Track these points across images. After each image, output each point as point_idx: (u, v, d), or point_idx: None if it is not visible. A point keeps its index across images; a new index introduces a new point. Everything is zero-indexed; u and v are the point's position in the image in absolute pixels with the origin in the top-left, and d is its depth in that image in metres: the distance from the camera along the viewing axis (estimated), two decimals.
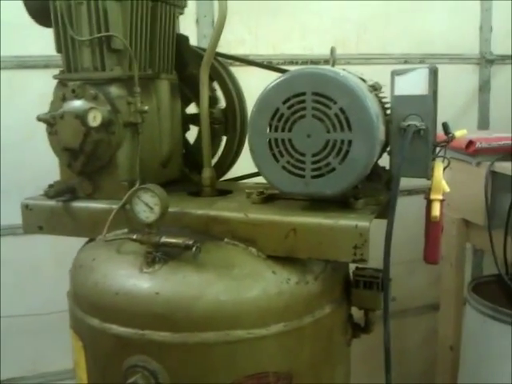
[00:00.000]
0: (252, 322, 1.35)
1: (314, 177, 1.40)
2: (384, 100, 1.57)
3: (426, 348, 3.27)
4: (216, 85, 1.88)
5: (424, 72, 1.44)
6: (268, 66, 2.01)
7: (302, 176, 1.41)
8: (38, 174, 1.94)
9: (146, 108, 1.57)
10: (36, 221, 1.67)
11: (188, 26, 2.34)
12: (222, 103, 1.88)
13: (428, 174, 1.49)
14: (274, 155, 1.42)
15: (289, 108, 1.39)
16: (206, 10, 2.61)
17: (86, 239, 1.68)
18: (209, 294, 1.34)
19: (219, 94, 1.88)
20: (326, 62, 1.83)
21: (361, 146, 1.35)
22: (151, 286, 1.36)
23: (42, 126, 1.61)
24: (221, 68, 1.86)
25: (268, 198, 1.56)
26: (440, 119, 1.51)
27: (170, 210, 1.42)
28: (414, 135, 1.43)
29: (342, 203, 1.47)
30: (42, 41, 1.80)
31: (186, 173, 1.88)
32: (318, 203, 1.49)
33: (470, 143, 2.40)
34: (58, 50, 1.63)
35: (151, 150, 1.69)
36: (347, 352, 1.64)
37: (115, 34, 1.53)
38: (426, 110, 1.45)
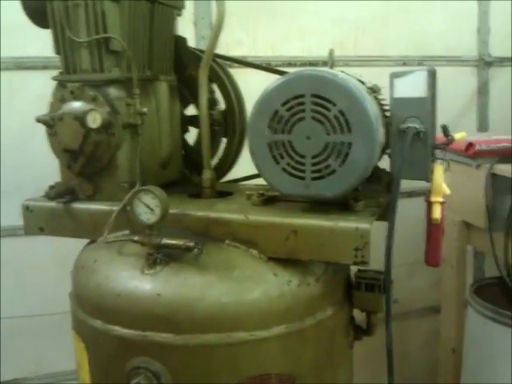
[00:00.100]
0: (254, 324, 1.35)
1: (314, 179, 1.40)
2: (383, 102, 1.56)
3: (427, 350, 3.27)
4: (215, 86, 1.87)
5: (423, 74, 1.45)
6: (266, 67, 2.01)
7: (302, 178, 1.41)
8: (37, 175, 1.93)
9: (146, 109, 1.57)
10: (37, 222, 1.67)
11: (186, 27, 2.33)
12: (221, 105, 1.88)
13: (428, 176, 1.49)
14: (274, 157, 1.42)
15: (288, 110, 1.39)
16: (204, 12, 2.61)
17: (86, 240, 1.67)
18: (210, 295, 1.34)
19: (218, 95, 1.88)
20: (325, 63, 1.82)
21: (360, 148, 1.35)
22: (153, 288, 1.36)
23: (42, 127, 1.61)
24: (219, 70, 1.86)
25: (268, 200, 1.56)
26: (439, 121, 1.51)
27: (171, 211, 1.42)
28: (413, 137, 1.43)
29: (342, 205, 1.47)
30: (40, 42, 1.79)
31: (185, 174, 1.88)
32: (318, 205, 1.49)
33: (470, 145, 2.40)
34: (57, 51, 1.63)
35: (151, 151, 1.68)
36: (349, 354, 1.64)
37: (113, 36, 1.53)
38: (426, 113, 1.45)
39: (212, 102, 1.83)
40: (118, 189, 1.57)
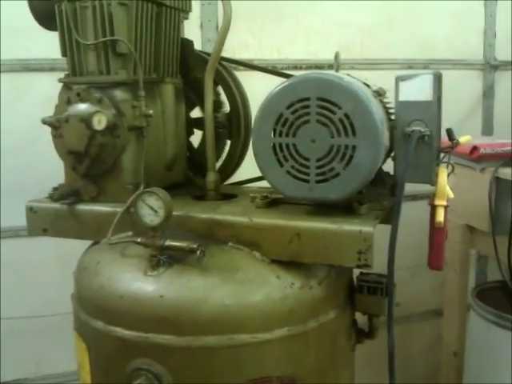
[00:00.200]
0: (256, 327, 1.36)
1: (318, 182, 1.40)
2: (388, 105, 1.56)
3: (429, 354, 3.26)
4: (220, 89, 1.88)
5: (428, 78, 1.45)
6: (272, 70, 2.01)
7: (307, 181, 1.41)
8: (41, 177, 1.94)
9: (151, 112, 1.58)
10: (40, 223, 1.67)
11: (192, 30, 2.35)
12: (227, 107, 1.88)
13: (432, 179, 1.49)
14: (278, 160, 1.43)
15: (293, 113, 1.39)
16: (211, 15, 2.62)
17: (89, 242, 1.68)
18: (213, 297, 1.35)
19: (223, 98, 1.89)
20: (330, 66, 1.83)
21: (365, 151, 1.35)
22: (156, 290, 1.37)
23: (47, 129, 1.62)
24: (225, 72, 1.87)
25: (272, 203, 1.56)
26: (444, 125, 1.51)
27: (175, 213, 1.43)
28: (418, 141, 1.43)
29: (346, 208, 1.47)
30: (47, 44, 1.80)
31: (190, 176, 1.89)
32: (322, 208, 1.49)
33: (474, 149, 2.40)
34: (63, 53, 1.63)
35: (156, 153, 1.69)
36: (351, 357, 1.64)
37: (120, 38, 1.54)
38: (431, 116, 1.45)
39: (217, 105, 1.84)
40: (123, 190, 1.58)
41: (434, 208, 1.50)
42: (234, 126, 1.87)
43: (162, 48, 1.72)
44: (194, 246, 1.35)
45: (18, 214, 1.71)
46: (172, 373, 1.35)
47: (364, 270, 1.45)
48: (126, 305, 1.38)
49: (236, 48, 2.57)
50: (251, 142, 1.48)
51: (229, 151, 1.91)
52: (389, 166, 1.55)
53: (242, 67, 2.09)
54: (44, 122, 1.59)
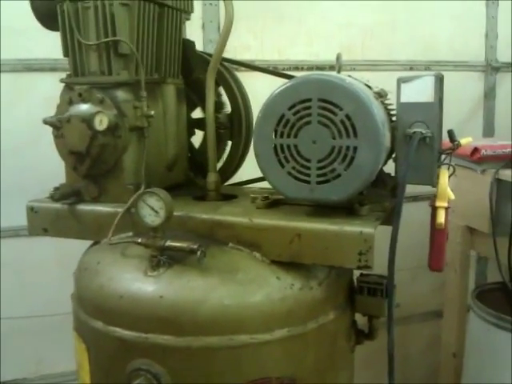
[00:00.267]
0: (256, 327, 1.36)
1: (319, 183, 1.40)
2: (390, 107, 1.57)
3: (429, 355, 3.27)
4: (222, 90, 1.88)
5: (430, 79, 1.45)
6: (273, 71, 2.02)
7: (308, 182, 1.41)
8: (42, 177, 1.94)
9: (152, 112, 1.58)
10: (41, 223, 1.67)
11: (194, 30, 2.35)
12: (228, 108, 1.88)
13: (433, 181, 1.49)
14: (279, 161, 1.43)
15: (294, 114, 1.39)
16: (212, 16, 2.62)
17: (89, 242, 1.68)
18: (213, 298, 1.35)
19: (225, 98, 1.89)
20: (332, 67, 1.83)
21: (366, 152, 1.35)
22: (156, 290, 1.37)
23: (48, 129, 1.62)
24: (227, 73, 1.87)
25: (273, 203, 1.57)
26: (445, 126, 1.51)
27: (175, 214, 1.43)
28: (419, 142, 1.43)
29: (346, 209, 1.48)
30: (48, 44, 1.80)
31: (191, 177, 1.89)
32: (322, 209, 1.49)
33: (475, 150, 2.40)
34: (65, 53, 1.64)
35: (157, 153, 1.69)
36: (351, 358, 1.64)
37: (122, 39, 1.54)
38: (432, 118, 1.45)
39: (219, 105, 1.84)
40: (124, 191, 1.58)
41: (434, 209, 1.50)
42: (235, 127, 1.87)
43: (164, 48, 1.72)
44: (195, 246, 1.35)
45: (18, 213, 1.71)
46: (171, 373, 1.35)
47: (364, 271, 1.46)
48: (125, 305, 1.38)
49: (237, 49, 2.57)
50: (252, 142, 1.48)
51: (230, 152, 1.91)
52: (390, 168, 1.55)
53: (243, 68, 2.09)
54: (45, 122, 1.59)
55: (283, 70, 2.51)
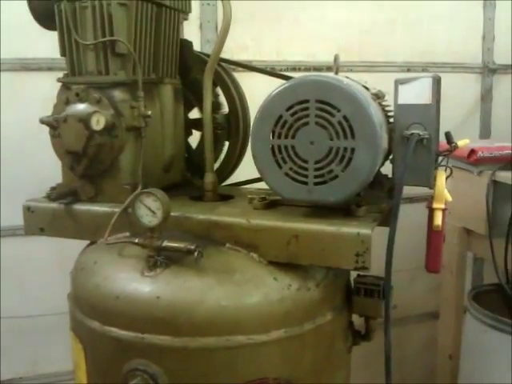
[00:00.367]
0: (253, 328, 1.35)
1: (316, 184, 1.40)
2: (387, 108, 1.57)
3: (425, 356, 3.27)
4: (219, 90, 1.88)
5: (427, 81, 1.45)
6: (271, 72, 2.01)
7: (305, 183, 1.41)
8: (39, 177, 1.94)
9: (150, 112, 1.58)
10: (37, 223, 1.67)
11: (191, 31, 2.34)
12: (225, 108, 1.88)
13: (431, 182, 1.49)
14: (276, 161, 1.43)
15: (292, 115, 1.39)
16: (210, 16, 2.62)
17: (86, 241, 1.67)
18: (210, 299, 1.35)
19: (222, 99, 1.89)
20: (329, 68, 1.83)
21: (364, 153, 1.35)
22: (152, 290, 1.37)
23: (45, 129, 1.61)
24: (224, 73, 1.87)
25: (270, 204, 1.57)
26: (441, 128, 1.51)
27: (172, 214, 1.43)
28: (416, 144, 1.43)
29: (344, 210, 1.48)
30: (45, 43, 1.80)
31: (188, 177, 1.89)
32: (320, 210, 1.49)
33: (472, 152, 2.40)
34: (62, 53, 1.63)
35: (154, 154, 1.69)
36: (348, 359, 1.64)
37: (119, 39, 1.54)
38: (430, 119, 1.45)
39: (216, 106, 1.84)
40: (120, 191, 1.58)
41: (432, 211, 1.50)
42: (232, 128, 1.87)
43: (161, 48, 1.72)
44: (192, 247, 1.35)
45: (15, 213, 1.71)
46: (168, 373, 1.35)
47: (361, 273, 1.46)
48: (122, 305, 1.38)
49: (235, 49, 2.56)
50: (250, 143, 1.47)
51: (227, 152, 1.91)
52: (387, 169, 1.55)
53: (240, 68, 2.09)
54: (42, 121, 1.58)
55: (280, 70, 2.52)
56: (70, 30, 1.57)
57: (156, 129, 1.69)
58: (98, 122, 1.51)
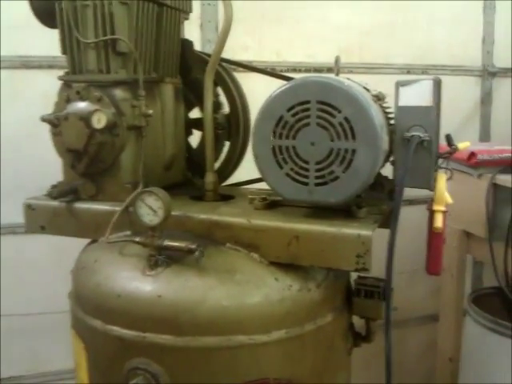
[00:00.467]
0: (254, 328, 1.36)
1: (317, 184, 1.40)
2: (388, 110, 1.57)
3: (425, 359, 3.26)
4: (220, 90, 1.88)
5: (428, 83, 1.45)
6: (272, 72, 2.01)
7: (306, 183, 1.41)
8: (40, 175, 1.93)
9: (151, 111, 1.58)
10: (38, 221, 1.67)
11: (192, 30, 2.34)
12: (226, 108, 1.88)
13: (431, 185, 1.49)
14: (277, 162, 1.43)
15: (293, 116, 1.39)
16: (211, 15, 2.62)
17: (87, 240, 1.67)
18: (211, 298, 1.34)
19: (222, 99, 1.88)
20: (329, 70, 1.83)
21: (365, 155, 1.35)
22: (153, 289, 1.37)
23: (46, 127, 1.61)
24: (225, 73, 1.87)
25: (271, 205, 1.56)
26: (442, 130, 1.51)
27: (173, 213, 1.43)
28: (417, 146, 1.43)
29: (344, 212, 1.48)
30: (46, 41, 1.80)
31: (188, 177, 1.88)
32: (320, 211, 1.49)
33: (472, 155, 2.40)
34: (63, 51, 1.63)
35: (154, 153, 1.69)
36: (348, 360, 1.64)
37: (121, 37, 1.54)
38: (430, 122, 1.45)
39: (216, 106, 1.84)
40: (121, 190, 1.58)
41: (432, 213, 1.50)
42: (232, 127, 1.87)
43: (162, 48, 1.72)
44: (193, 246, 1.35)
45: (16, 211, 1.70)
46: (169, 373, 1.35)
47: (362, 274, 1.46)
48: (123, 304, 1.38)
49: (235, 50, 2.56)
50: (251, 143, 1.47)
51: (227, 152, 1.91)
52: (388, 171, 1.55)
53: (241, 68, 2.09)
54: (43, 119, 1.58)
55: (281, 71, 2.52)
56: (71, 29, 1.57)
57: (157, 128, 1.69)
58: (99, 121, 1.51)
